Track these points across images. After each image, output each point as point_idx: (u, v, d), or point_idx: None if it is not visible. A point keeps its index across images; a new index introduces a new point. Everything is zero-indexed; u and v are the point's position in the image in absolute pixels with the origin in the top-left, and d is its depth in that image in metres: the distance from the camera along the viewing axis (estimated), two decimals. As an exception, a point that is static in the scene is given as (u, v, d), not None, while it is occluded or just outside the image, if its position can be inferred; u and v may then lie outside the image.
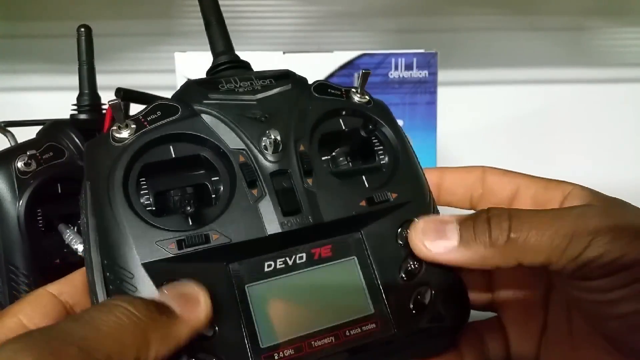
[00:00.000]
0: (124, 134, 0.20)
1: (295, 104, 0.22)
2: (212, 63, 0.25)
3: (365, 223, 0.22)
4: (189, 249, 0.19)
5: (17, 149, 0.34)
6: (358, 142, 0.23)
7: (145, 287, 0.18)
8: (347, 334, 0.20)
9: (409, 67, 0.54)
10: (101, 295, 0.19)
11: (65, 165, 0.34)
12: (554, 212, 0.20)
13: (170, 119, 0.21)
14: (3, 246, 0.33)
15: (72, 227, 0.34)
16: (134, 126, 0.21)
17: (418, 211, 0.22)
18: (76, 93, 0.38)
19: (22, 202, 0.33)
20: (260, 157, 0.21)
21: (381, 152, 0.24)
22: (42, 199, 0.33)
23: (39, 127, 0.37)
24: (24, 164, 0.33)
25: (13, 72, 0.62)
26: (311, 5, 0.66)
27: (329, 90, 0.24)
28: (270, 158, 0.21)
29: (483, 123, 0.69)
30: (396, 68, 0.54)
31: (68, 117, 0.38)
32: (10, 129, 0.38)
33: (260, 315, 0.19)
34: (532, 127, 0.70)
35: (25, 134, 0.37)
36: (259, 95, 0.22)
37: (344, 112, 0.24)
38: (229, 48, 0.25)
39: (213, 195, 0.21)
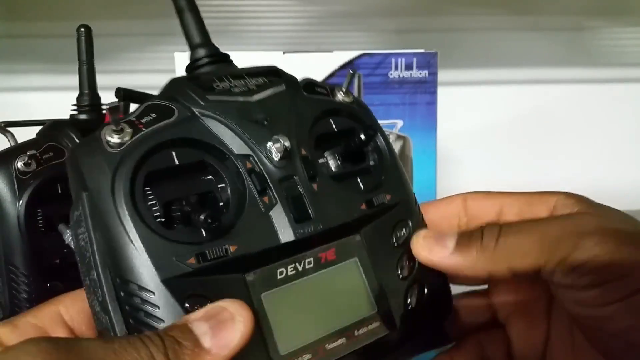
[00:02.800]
0: (120, 138, 0.19)
1: (291, 106, 0.22)
2: (191, 57, 0.23)
3: (363, 225, 0.22)
4: (208, 263, 0.18)
5: (17, 149, 0.34)
6: (353, 145, 0.23)
7: (168, 305, 0.17)
8: (356, 334, 0.21)
9: (409, 67, 0.54)
10: (115, 314, 0.18)
11: (66, 164, 0.34)
12: (543, 220, 0.21)
13: (168, 121, 0.20)
14: (3, 246, 0.33)
15: (72, 227, 0.34)
16: (129, 130, 0.19)
17: (408, 210, 0.23)
18: (76, 93, 0.38)
19: (22, 202, 0.33)
20: (267, 163, 0.20)
21: (369, 153, 0.24)
22: (42, 199, 0.33)
23: (38, 127, 0.37)
24: (24, 164, 0.33)
25: (13, 72, 0.62)
26: (311, 5, 0.66)
27: (317, 88, 0.24)
28: (276, 164, 0.20)
29: (483, 123, 0.69)
30: (396, 68, 0.54)
31: (68, 117, 0.38)
32: (10, 129, 0.38)
33: (276, 323, 0.19)
34: (532, 127, 0.70)
35: (25, 134, 0.37)
36: (256, 97, 0.21)
37: (335, 114, 0.23)
38: (207, 40, 0.24)
39: (220, 203, 0.20)
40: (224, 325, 0.17)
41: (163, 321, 0.17)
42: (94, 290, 0.19)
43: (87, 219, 0.18)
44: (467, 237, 0.21)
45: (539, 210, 0.23)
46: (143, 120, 0.19)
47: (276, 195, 0.20)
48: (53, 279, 0.34)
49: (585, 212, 0.21)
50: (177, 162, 0.19)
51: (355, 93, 0.55)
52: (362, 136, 0.23)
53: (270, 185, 0.20)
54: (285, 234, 0.20)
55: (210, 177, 0.20)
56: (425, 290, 0.23)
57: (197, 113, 0.20)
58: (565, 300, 0.21)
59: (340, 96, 0.24)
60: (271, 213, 0.20)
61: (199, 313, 0.17)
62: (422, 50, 0.54)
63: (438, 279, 0.23)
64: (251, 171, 0.20)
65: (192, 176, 0.20)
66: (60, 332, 0.21)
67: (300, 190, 0.20)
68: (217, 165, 0.20)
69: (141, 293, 0.17)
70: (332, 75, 0.53)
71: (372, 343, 0.21)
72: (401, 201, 0.23)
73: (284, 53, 0.53)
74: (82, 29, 0.38)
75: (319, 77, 0.54)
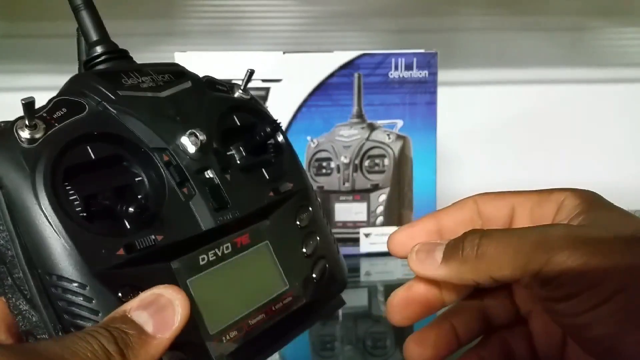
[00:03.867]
0: (34, 134, 0.18)
1: (199, 102, 0.23)
2: (88, 54, 0.24)
3: (271, 211, 0.24)
4: (138, 253, 0.19)
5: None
6: (261, 139, 0.25)
7: (102, 297, 0.18)
8: (273, 309, 0.23)
9: (409, 67, 0.54)
10: (47, 312, 0.18)
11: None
12: (520, 230, 0.22)
13: (80, 116, 0.20)
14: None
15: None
16: (43, 125, 0.19)
17: (307, 196, 0.26)
18: (76, 93, 0.38)
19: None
20: (182, 155, 0.21)
21: (270, 147, 0.26)
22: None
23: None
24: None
25: (13, 72, 0.62)
26: (311, 6, 0.66)
27: (218, 86, 0.25)
28: (192, 156, 0.21)
29: (483, 123, 0.69)
30: (396, 68, 0.54)
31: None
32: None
33: (203, 305, 0.21)
34: (532, 126, 0.70)
35: (25, 134, 0.37)
36: (164, 93, 0.22)
37: (237, 110, 0.25)
38: (105, 36, 0.24)
39: (139, 195, 0.21)
40: (164, 310, 0.18)
41: (99, 312, 0.18)
42: (19, 289, 0.18)
43: (5, 216, 0.18)
44: (452, 248, 0.22)
45: (549, 209, 0.23)
46: (54, 116, 0.19)
47: (194, 186, 0.21)
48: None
49: (570, 218, 0.22)
50: (93, 157, 0.19)
51: (356, 94, 0.55)
52: (267, 130, 0.24)
53: (188, 176, 0.21)
54: (206, 221, 0.21)
55: (128, 170, 0.21)
56: (327, 265, 0.25)
57: (108, 108, 0.21)
58: (545, 309, 0.22)
59: (238, 93, 0.25)
60: (191, 203, 0.21)
61: (134, 302, 0.18)
62: (422, 51, 0.53)
63: (335, 255, 0.26)
64: (168, 164, 0.21)
65: (109, 170, 0.20)
66: None
67: (217, 180, 0.22)
68: (133, 158, 0.21)
69: (73, 287, 0.18)
70: (332, 75, 0.53)
71: (287, 315, 0.23)
72: (301, 189, 0.25)
73: (284, 53, 0.53)
74: (82, 29, 0.38)
75: (319, 77, 0.54)
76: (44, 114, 0.19)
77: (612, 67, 0.70)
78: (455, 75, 0.63)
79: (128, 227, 0.19)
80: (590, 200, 0.22)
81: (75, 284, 0.18)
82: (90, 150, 0.19)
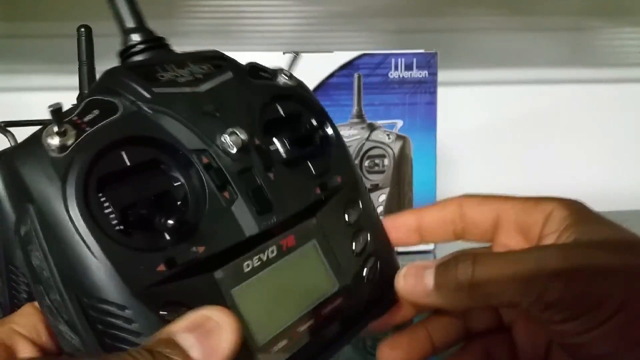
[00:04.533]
0: (64, 141, 0.17)
1: (241, 94, 0.21)
2: (124, 43, 0.21)
3: (318, 207, 0.22)
4: (179, 268, 0.17)
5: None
6: (302, 129, 0.23)
7: (143, 318, 0.16)
8: (323, 313, 0.21)
9: (408, 67, 0.54)
10: (88, 336, 0.17)
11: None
12: (515, 255, 0.21)
13: (113, 119, 0.18)
14: (3, 246, 0.33)
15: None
16: (73, 131, 0.17)
17: (356, 190, 0.24)
18: (76, 93, 0.38)
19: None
20: (223, 156, 0.19)
21: (316, 136, 0.24)
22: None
23: (38, 127, 0.37)
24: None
25: (13, 72, 0.62)
26: (311, 6, 0.66)
27: (261, 73, 0.23)
28: (233, 157, 0.20)
29: (482, 123, 0.69)
30: (396, 68, 0.54)
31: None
32: (10, 129, 0.38)
33: (249, 315, 0.19)
34: (532, 126, 0.70)
35: (25, 135, 0.37)
36: (203, 87, 0.20)
37: (281, 99, 0.23)
38: (141, 23, 0.22)
39: (179, 202, 0.19)
40: (211, 335, 0.16)
41: (141, 334, 0.17)
42: (57, 311, 0.17)
43: (38, 234, 0.17)
44: (443, 273, 0.22)
45: (536, 219, 0.23)
46: (85, 119, 0.18)
47: (236, 190, 0.19)
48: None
49: (560, 232, 0.22)
50: (128, 163, 0.18)
51: (356, 94, 0.55)
52: (314, 121, 0.23)
53: (230, 179, 0.19)
54: (249, 227, 0.19)
55: (165, 175, 0.19)
56: (378, 263, 0.24)
57: (143, 107, 0.19)
58: (546, 328, 0.22)
59: (283, 79, 0.23)
60: (233, 208, 0.19)
61: (182, 324, 0.17)
62: (422, 51, 0.54)
63: (388, 251, 0.25)
64: (208, 166, 0.19)
65: (146, 176, 0.18)
66: (24, 345, 0.20)
67: (259, 181, 0.20)
68: (171, 162, 0.19)
69: (113, 310, 0.16)
70: (332, 75, 0.53)
71: (338, 318, 0.22)
72: (350, 181, 0.24)
73: (284, 53, 0.53)
74: (83, 29, 0.38)
75: (319, 77, 0.54)
76: (75, 118, 0.18)
77: (611, 67, 0.71)
78: (455, 76, 0.63)
79: (168, 239, 0.18)
80: (578, 212, 0.22)
81: (114, 306, 0.16)
82: (125, 156, 0.18)
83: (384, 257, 0.24)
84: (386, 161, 0.54)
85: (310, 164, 0.23)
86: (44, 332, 0.21)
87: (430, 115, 0.54)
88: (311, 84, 0.54)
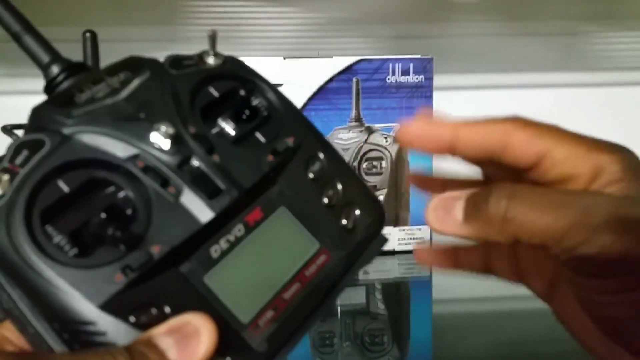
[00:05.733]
0: (0, 189, 0.18)
1: (163, 90, 0.21)
2: (46, 78, 0.22)
3: (278, 174, 0.22)
4: (136, 272, 0.18)
5: None
6: (239, 104, 0.22)
7: (113, 327, 0.17)
8: (307, 274, 0.21)
9: (405, 72, 0.55)
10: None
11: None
12: (560, 196, 0.20)
13: (41, 153, 0.18)
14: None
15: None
16: (6, 177, 0.18)
17: (315, 144, 0.23)
18: (82, 97, 0.39)
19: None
20: (158, 154, 0.19)
21: (259, 104, 0.23)
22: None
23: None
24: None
25: (19, 75, 0.63)
26: (311, 12, 0.67)
27: (184, 62, 0.23)
28: (168, 152, 0.19)
29: (478, 127, 0.69)
30: (393, 73, 0.55)
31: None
32: (16, 132, 0.39)
33: (228, 297, 0.19)
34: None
35: (32, 137, 0.37)
36: (123, 94, 0.20)
37: (211, 80, 0.22)
38: (56, 55, 0.22)
39: (129, 211, 0.19)
40: (189, 338, 0.17)
41: (114, 343, 0.17)
42: (37, 343, 0.18)
43: (1, 280, 0.18)
44: (474, 205, 0.20)
45: (583, 171, 0.20)
46: (17, 162, 0.18)
47: (179, 181, 0.19)
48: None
49: (620, 195, 0.19)
50: (67, 190, 0.18)
51: (354, 98, 0.56)
52: (241, 92, 0.22)
53: (169, 174, 0.19)
54: (203, 213, 0.19)
55: (107, 190, 0.19)
56: (357, 209, 0.23)
57: (66, 133, 0.19)
58: (568, 279, 0.21)
59: (211, 60, 0.23)
60: (181, 200, 0.19)
61: (162, 328, 0.17)
62: (418, 56, 0.55)
63: (366, 193, 0.24)
64: (145, 169, 0.19)
65: (88, 197, 0.19)
66: (11, 349, 0.20)
67: (202, 167, 0.20)
68: (108, 176, 0.19)
69: (83, 327, 0.17)
70: (331, 79, 0.54)
71: (325, 276, 0.22)
72: (304, 138, 0.23)
73: (284, 58, 0.54)
74: (88, 34, 0.39)
75: (318, 81, 0.55)
76: (6, 165, 0.18)
77: (605, 71, 0.71)
78: (450, 80, 0.64)
79: (122, 249, 0.18)
80: (635, 168, 0.20)
81: (83, 324, 0.17)
82: (62, 184, 0.18)
83: (362, 201, 0.24)
84: (384, 163, 0.55)
85: (259, 135, 0.22)
86: None
87: (427, 119, 0.55)
88: (311, 89, 0.55)
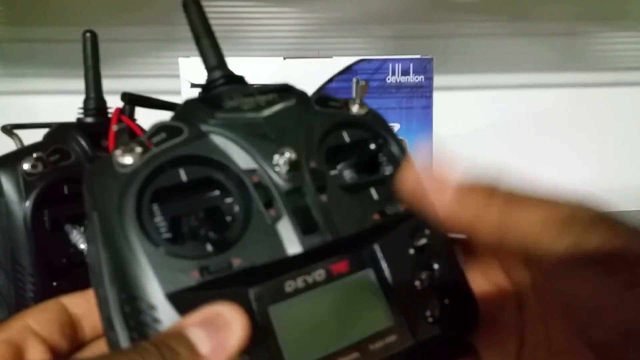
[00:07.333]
0: (129, 159, 0.19)
1: (301, 120, 0.22)
2: (207, 79, 0.24)
3: (378, 235, 0.21)
4: (212, 276, 0.18)
5: (24, 151, 0.35)
6: (365, 156, 0.23)
7: (171, 320, 0.17)
8: (371, 348, 0.20)
9: (405, 72, 0.55)
10: (121, 331, 0.18)
11: (72, 166, 0.35)
12: (552, 198, 0.20)
13: (177, 140, 0.20)
14: (10, 246, 0.34)
15: (78, 227, 0.35)
16: (139, 150, 0.19)
17: (425, 219, 0.22)
18: (82, 97, 0.39)
19: (28, 203, 0.33)
20: (274, 176, 0.20)
21: (385, 163, 0.23)
22: (48, 200, 0.34)
23: (45, 130, 0.38)
24: (31, 165, 0.34)
25: (20, 75, 0.63)
26: (311, 13, 0.67)
27: (330, 102, 0.24)
28: (284, 177, 0.20)
29: (478, 127, 0.70)
30: (393, 73, 0.55)
31: (74, 120, 0.39)
32: (17, 131, 0.39)
33: (284, 336, 0.19)
34: (527, 131, 0.71)
35: (31, 137, 0.37)
36: (265, 112, 0.21)
37: (347, 126, 0.23)
38: (222, 62, 0.24)
39: (228, 218, 0.20)
40: (221, 331, 0.17)
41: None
42: (102, 306, 0.19)
43: (96, 237, 0.19)
44: (471, 188, 0.20)
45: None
46: (153, 140, 0.20)
47: (282, 208, 0.20)
48: (59, 279, 0.34)
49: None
50: (184, 179, 0.20)
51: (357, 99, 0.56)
52: (372, 146, 0.23)
53: (276, 197, 0.20)
54: (292, 246, 0.19)
55: (218, 192, 0.20)
56: (447, 301, 0.22)
57: (204, 131, 0.20)
58: (560, 289, 0.20)
59: (355, 109, 0.24)
60: (278, 226, 0.20)
61: (195, 317, 0.17)
62: (418, 56, 0.55)
63: (461, 289, 0.22)
64: (258, 185, 0.20)
65: (199, 192, 0.20)
66: (34, 344, 0.21)
67: (307, 201, 0.20)
68: (223, 180, 0.20)
69: (145, 308, 0.18)
70: (331, 80, 0.54)
71: (388, 357, 0.20)
72: None
73: (284, 59, 0.54)
74: (88, 34, 0.39)
75: (318, 82, 0.55)
76: (144, 139, 0.20)
77: (605, 71, 0.71)
78: (450, 80, 0.64)
79: (209, 250, 0.19)
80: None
81: (147, 305, 0.17)
82: (182, 173, 0.20)
83: (454, 296, 0.22)
84: (384, 164, 0.55)
85: (374, 191, 0.22)
86: (56, 330, 0.21)
87: (427, 119, 0.55)
88: (311, 89, 0.55)
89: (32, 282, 0.34)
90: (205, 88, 0.24)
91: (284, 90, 0.23)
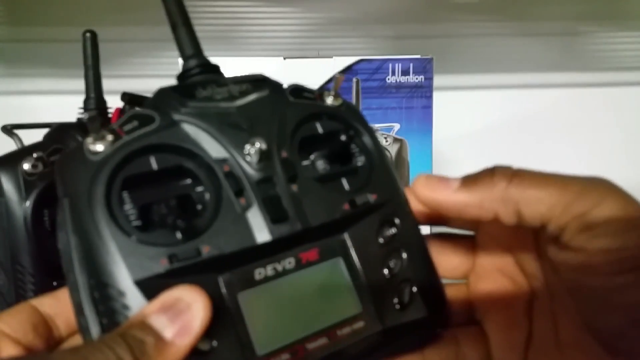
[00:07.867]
0: (100, 146, 0.19)
1: (274, 110, 0.22)
2: (182, 68, 0.24)
3: (348, 225, 0.22)
4: (180, 263, 0.18)
5: (24, 151, 0.35)
6: (338, 147, 0.23)
7: (140, 306, 0.18)
8: (339, 333, 0.21)
9: (405, 72, 0.55)
10: (91, 316, 0.18)
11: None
12: (561, 175, 0.20)
13: (149, 128, 0.20)
14: (10, 246, 0.34)
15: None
16: (110, 138, 0.19)
17: (396, 210, 0.23)
18: (82, 97, 0.39)
19: (28, 203, 0.33)
20: (244, 165, 0.20)
21: (357, 154, 0.24)
22: (49, 200, 0.34)
23: (45, 130, 0.38)
24: (31, 165, 0.34)
25: (20, 75, 0.63)
26: (311, 12, 0.67)
27: (304, 93, 0.24)
28: (254, 166, 0.20)
29: (478, 127, 0.70)
30: (393, 73, 0.55)
31: (74, 120, 0.39)
32: (17, 131, 0.39)
33: (253, 323, 0.19)
34: (527, 130, 0.71)
35: (32, 137, 0.37)
36: (238, 102, 0.21)
37: (321, 117, 0.23)
38: (198, 51, 0.24)
39: (199, 206, 0.20)
40: (182, 314, 0.17)
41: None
42: (72, 292, 0.19)
43: (66, 223, 0.19)
44: (474, 176, 0.20)
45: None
46: (124, 128, 0.20)
47: (253, 197, 0.20)
48: (59, 279, 0.34)
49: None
50: (155, 167, 0.20)
51: (354, 98, 0.56)
52: (343, 137, 0.23)
53: (246, 186, 0.20)
54: (262, 234, 0.20)
55: (188, 181, 0.20)
56: (414, 289, 0.22)
57: (176, 119, 0.20)
58: (569, 267, 0.19)
59: (329, 100, 0.24)
60: (247, 215, 0.20)
61: (155, 305, 0.17)
62: (418, 56, 0.55)
63: (430, 277, 0.23)
64: (228, 174, 0.20)
65: (170, 181, 0.20)
66: (7, 346, 0.21)
67: (278, 191, 0.20)
68: (194, 169, 0.20)
69: (114, 294, 0.18)
70: (331, 80, 0.54)
71: (354, 343, 0.21)
72: (388, 201, 0.23)
73: (284, 58, 0.54)
74: (88, 34, 0.39)
75: (319, 82, 0.55)
76: (116, 127, 0.20)
77: (605, 71, 0.71)
78: (450, 80, 0.64)
79: (178, 237, 0.19)
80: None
81: (115, 291, 0.18)
82: (153, 161, 0.20)
83: (422, 283, 0.22)
84: (383, 164, 0.55)
85: (345, 181, 0.22)
86: (30, 331, 0.21)
87: (427, 119, 0.55)
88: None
89: (32, 282, 0.34)
90: (180, 77, 0.23)
91: (258, 81, 0.23)
